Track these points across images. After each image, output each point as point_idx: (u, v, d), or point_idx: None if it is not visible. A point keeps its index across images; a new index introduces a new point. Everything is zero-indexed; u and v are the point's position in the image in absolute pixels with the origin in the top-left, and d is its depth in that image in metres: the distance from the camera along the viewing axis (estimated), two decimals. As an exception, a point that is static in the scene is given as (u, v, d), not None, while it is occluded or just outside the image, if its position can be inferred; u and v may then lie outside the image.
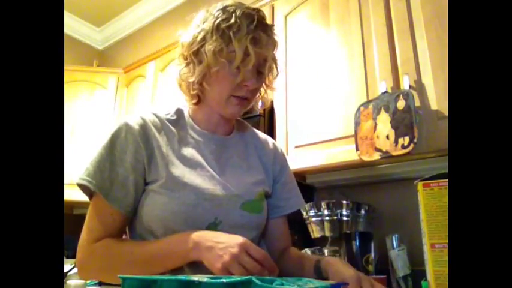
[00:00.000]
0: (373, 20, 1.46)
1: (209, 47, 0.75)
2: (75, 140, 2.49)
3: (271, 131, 1.64)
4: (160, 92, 2.38)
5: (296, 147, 1.54)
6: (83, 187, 0.75)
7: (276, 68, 0.87)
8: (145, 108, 2.40)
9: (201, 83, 0.80)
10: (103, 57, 3.42)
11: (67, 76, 2.60)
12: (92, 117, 2.58)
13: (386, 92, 1.31)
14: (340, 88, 1.49)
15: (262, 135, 0.98)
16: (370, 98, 1.38)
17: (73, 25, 3.23)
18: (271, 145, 0.96)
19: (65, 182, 2.31)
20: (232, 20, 0.75)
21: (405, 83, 1.28)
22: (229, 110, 0.80)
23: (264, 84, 0.86)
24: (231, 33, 0.74)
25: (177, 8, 2.84)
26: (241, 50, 0.74)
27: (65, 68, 2.55)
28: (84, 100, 2.62)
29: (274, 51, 0.84)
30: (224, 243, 0.63)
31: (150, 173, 0.76)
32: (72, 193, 2.35)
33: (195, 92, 0.82)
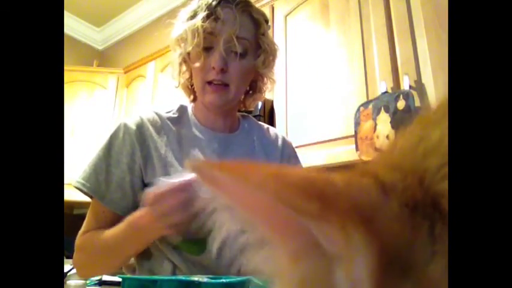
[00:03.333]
0: (373, 20, 1.46)
1: (173, 35, 0.80)
2: (75, 140, 2.49)
3: (271, 131, 1.64)
4: (160, 92, 2.38)
5: (296, 147, 1.54)
6: (80, 189, 0.75)
7: (264, 48, 0.79)
8: (145, 108, 2.40)
9: (186, 77, 0.83)
10: (103, 57, 3.42)
11: (67, 76, 2.60)
12: (92, 117, 2.58)
13: (386, 92, 1.31)
14: (340, 88, 1.49)
15: (271, 130, 0.94)
16: (370, 98, 1.38)
17: (73, 25, 3.23)
18: (279, 142, 0.92)
19: (65, 182, 2.32)
20: (195, 6, 0.77)
21: (405, 83, 1.28)
22: (207, 98, 0.78)
23: (257, 70, 0.81)
24: (189, 17, 0.76)
25: (177, 8, 2.83)
26: (190, 29, 0.74)
27: (65, 68, 2.55)
28: (84, 100, 2.62)
29: (260, 30, 0.78)
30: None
31: (147, 175, 0.75)
32: (72, 193, 2.35)
33: (186, 91, 0.85)
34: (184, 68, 0.83)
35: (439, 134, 0.15)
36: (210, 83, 0.76)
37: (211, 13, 0.73)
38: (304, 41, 1.68)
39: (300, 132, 1.57)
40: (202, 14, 0.73)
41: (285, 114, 1.64)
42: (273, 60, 0.84)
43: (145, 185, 0.75)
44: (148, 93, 2.45)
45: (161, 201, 0.58)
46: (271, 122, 1.68)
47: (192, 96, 0.87)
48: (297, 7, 1.75)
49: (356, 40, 1.49)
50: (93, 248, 0.72)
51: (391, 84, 1.34)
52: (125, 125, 0.77)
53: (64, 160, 0.36)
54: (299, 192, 0.13)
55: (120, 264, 0.73)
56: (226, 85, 0.76)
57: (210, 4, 0.74)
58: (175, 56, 0.81)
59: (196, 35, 0.73)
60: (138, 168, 0.75)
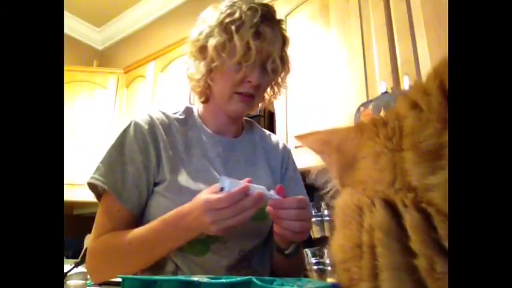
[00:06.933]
0: (373, 20, 1.46)
1: (211, 42, 0.74)
2: (75, 140, 2.49)
3: (271, 131, 1.64)
4: (160, 92, 2.38)
5: (296, 147, 1.54)
6: (93, 186, 0.73)
7: (287, 64, 0.84)
8: (145, 108, 2.40)
9: (206, 80, 0.79)
10: (103, 57, 3.42)
11: (67, 76, 2.60)
12: (92, 117, 2.58)
13: (386, 92, 1.31)
14: (340, 88, 1.49)
15: (273, 137, 0.96)
16: (370, 98, 1.38)
17: (73, 25, 3.23)
18: (280, 148, 0.93)
19: (65, 182, 2.33)
20: (237, 15, 0.74)
21: (405, 83, 1.28)
22: (232, 107, 0.78)
23: (273, 83, 0.84)
24: (233, 28, 0.73)
25: (177, 8, 2.84)
26: (242, 44, 0.73)
27: (65, 68, 2.55)
28: (84, 100, 2.62)
29: (286, 48, 0.82)
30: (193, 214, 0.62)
31: (158, 174, 0.74)
32: (72, 193, 2.36)
33: (199, 89, 0.81)
34: (211, 74, 0.79)
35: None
36: (238, 93, 0.77)
37: (258, 31, 0.74)
38: (304, 41, 1.68)
39: (300, 132, 1.56)
40: (250, 31, 0.73)
41: (285, 114, 1.64)
42: (289, 71, 0.88)
43: (154, 184, 0.75)
44: (148, 93, 2.45)
45: (222, 206, 0.59)
46: (272, 122, 1.68)
47: (203, 99, 0.85)
48: (297, 7, 1.75)
49: (356, 40, 1.49)
50: (117, 250, 0.69)
51: (391, 84, 1.33)
52: (137, 123, 0.76)
53: (64, 160, 0.36)
54: (319, 141, 0.33)
55: (148, 263, 0.70)
56: (252, 96, 0.79)
57: (257, 22, 0.74)
58: (205, 61, 0.78)
59: (248, 52, 0.73)
60: (153, 167, 0.74)
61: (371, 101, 1.34)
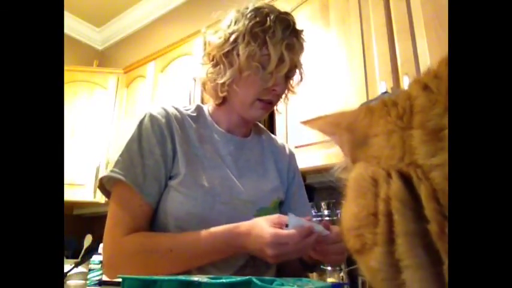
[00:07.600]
0: (373, 20, 1.46)
1: (242, 51, 0.73)
2: (75, 140, 2.49)
3: (271, 131, 1.64)
4: (160, 92, 2.38)
5: (296, 147, 1.55)
6: (108, 179, 0.73)
7: (301, 72, 0.85)
8: (145, 108, 2.39)
9: (230, 85, 0.77)
10: (103, 58, 3.42)
11: (67, 76, 2.59)
12: (92, 117, 2.58)
13: (386, 92, 1.31)
14: (340, 88, 1.49)
15: (278, 139, 0.98)
16: (370, 98, 1.38)
17: (73, 25, 3.23)
18: (287, 151, 0.95)
19: (65, 182, 2.33)
20: (267, 24, 0.74)
21: (405, 83, 1.28)
22: (252, 113, 0.79)
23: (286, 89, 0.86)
24: (267, 37, 0.73)
25: (177, 8, 2.84)
26: (277, 56, 0.73)
27: (65, 68, 2.55)
28: (84, 100, 2.62)
29: (302, 55, 0.83)
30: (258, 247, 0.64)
31: (173, 168, 0.74)
32: (72, 193, 2.35)
33: (218, 93, 0.79)
34: (236, 79, 0.78)
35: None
36: (260, 99, 0.78)
37: (289, 43, 0.75)
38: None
39: (300, 132, 1.57)
40: (283, 42, 0.74)
41: (285, 114, 1.64)
42: (302, 79, 0.88)
43: (169, 177, 0.75)
44: (148, 93, 2.45)
45: (288, 242, 0.62)
46: (272, 121, 1.68)
47: (219, 101, 0.83)
48: (297, 7, 1.75)
49: (356, 40, 1.49)
50: (156, 254, 0.68)
51: (391, 84, 1.33)
52: (152, 116, 0.76)
53: (64, 160, 0.36)
54: (328, 124, 0.33)
55: (184, 270, 0.69)
56: (272, 103, 0.81)
57: (288, 33, 0.76)
58: (232, 68, 0.76)
59: (281, 64, 0.74)
60: (170, 161, 0.74)
61: (371, 101, 1.34)
